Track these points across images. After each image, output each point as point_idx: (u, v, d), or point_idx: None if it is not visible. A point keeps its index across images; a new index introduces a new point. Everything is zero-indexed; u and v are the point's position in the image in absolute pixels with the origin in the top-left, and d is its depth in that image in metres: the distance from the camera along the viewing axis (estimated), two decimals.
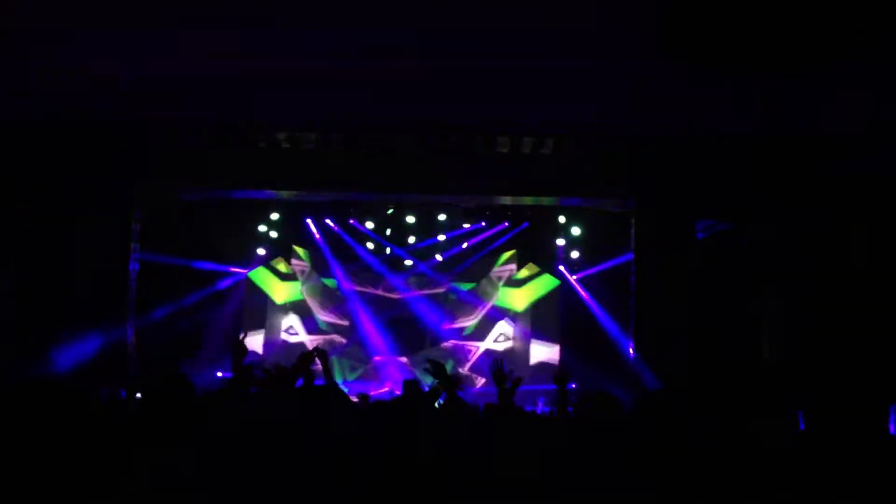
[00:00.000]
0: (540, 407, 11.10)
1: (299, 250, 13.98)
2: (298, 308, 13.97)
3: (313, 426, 2.67)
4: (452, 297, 14.00)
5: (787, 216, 9.79)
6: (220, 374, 11.83)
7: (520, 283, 13.87)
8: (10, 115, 8.99)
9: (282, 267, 14.00)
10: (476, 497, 2.69)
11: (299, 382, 4.44)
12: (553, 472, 2.92)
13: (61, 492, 2.56)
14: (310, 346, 13.54)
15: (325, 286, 14.05)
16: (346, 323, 13.90)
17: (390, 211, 12.76)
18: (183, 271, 12.43)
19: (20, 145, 9.52)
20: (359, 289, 13.92)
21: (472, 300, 13.99)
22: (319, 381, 4.64)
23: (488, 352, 13.58)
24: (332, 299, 14.00)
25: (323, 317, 13.96)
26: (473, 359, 13.72)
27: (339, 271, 13.87)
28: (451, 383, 4.51)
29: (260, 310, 13.81)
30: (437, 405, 4.62)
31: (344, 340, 13.81)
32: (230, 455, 2.68)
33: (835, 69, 6.91)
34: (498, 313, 13.85)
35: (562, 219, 12.66)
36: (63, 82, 8.13)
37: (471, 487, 2.75)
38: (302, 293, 14.01)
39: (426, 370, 4.79)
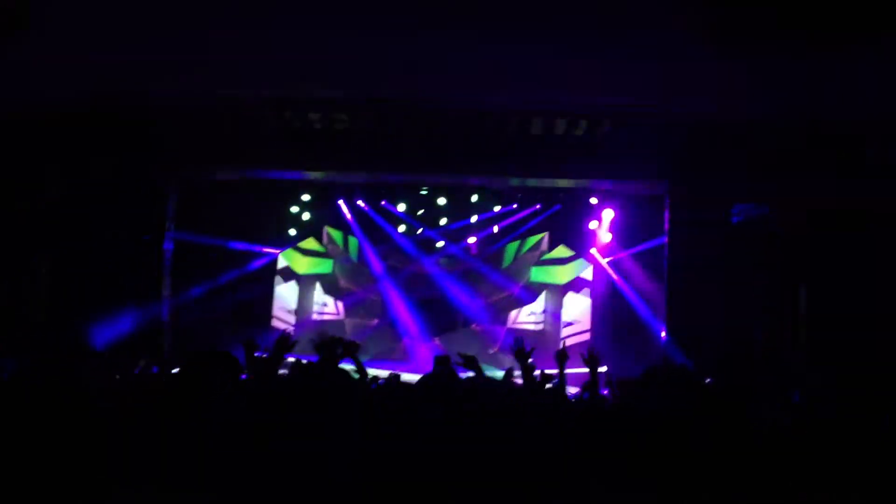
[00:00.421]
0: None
1: (331, 231, 14.04)
2: (330, 288, 14.05)
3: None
4: (483, 278, 13.99)
5: (824, 200, 9.64)
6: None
7: (551, 266, 13.82)
8: (46, 97, 9.10)
9: (314, 247, 14.06)
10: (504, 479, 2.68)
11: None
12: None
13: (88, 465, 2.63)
14: (346, 326, 13.69)
15: (356, 266, 14.11)
16: (377, 303, 13.96)
17: (424, 191, 12.75)
18: (216, 251, 12.56)
19: (55, 127, 9.64)
20: (390, 269, 13.97)
21: (503, 282, 13.97)
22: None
23: (514, 331, 13.55)
24: (363, 279, 14.06)
25: (354, 296, 14.02)
26: (502, 340, 13.72)
27: (370, 252, 13.93)
28: (481, 372, 4.56)
29: (291, 289, 13.90)
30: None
31: (375, 321, 13.89)
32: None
33: (878, 46, 6.77)
34: (528, 295, 13.82)
35: (594, 201, 12.58)
36: (95, 65, 8.20)
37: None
38: (334, 273, 14.08)
39: (459, 364, 4.84)
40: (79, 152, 10.02)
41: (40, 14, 6.90)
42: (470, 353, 4.92)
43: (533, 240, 13.87)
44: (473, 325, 13.85)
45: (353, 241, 14.00)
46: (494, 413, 2.73)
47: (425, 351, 13.09)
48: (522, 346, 4.76)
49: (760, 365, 9.45)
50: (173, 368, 7.96)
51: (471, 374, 4.56)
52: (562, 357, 4.98)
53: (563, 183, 11.75)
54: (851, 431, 3.85)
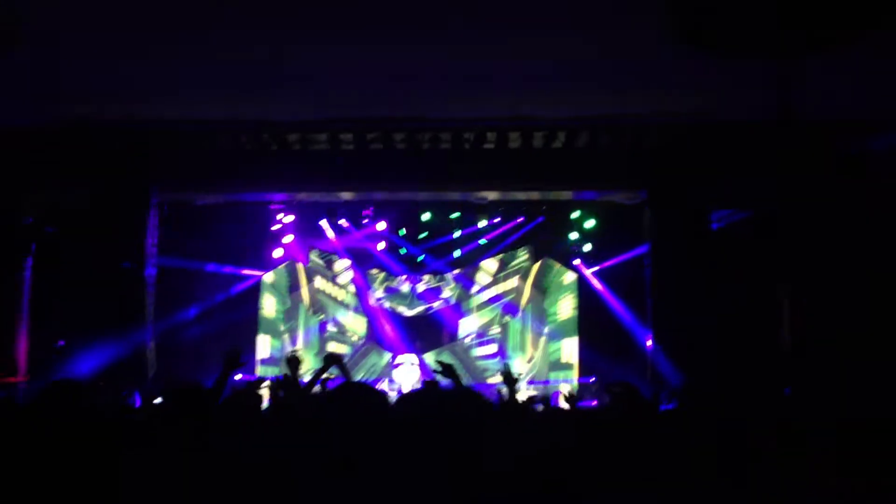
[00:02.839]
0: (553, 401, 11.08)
1: (314, 252, 14.02)
2: (315, 308, 14.00)
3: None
4: (467, 293, 13.99)
5: (805, 204, 9.68)
6: (238, 376, 11.88)
7: (535, 278, 13.83)
8: (25, 119, 9.09)
9: (298, 268, 14.04)
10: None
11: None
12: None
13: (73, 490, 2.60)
14: (328, 348, 13.63)
15: (340, 287, 14.08)
16: (362, 323, 13.93)
17: (404, 214, 12.77)
18: (200, 276, 12.52)
19: (34, 150, 9.61)
20: (374, 288, 13.95)
21: (488, 297, 13.98)
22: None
23: (502, 351, 13.59)
24: (348, 299, 14.04)
25: (339, 316, 13.99)
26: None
27: (354, 271, 13.92)
28: (460, 381, 4.55)
29: (275, 312, 13.85)
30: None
31: (362, 341, 13.85)
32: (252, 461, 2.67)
33: (854, 49, 6.83)
34: (513, 309, 13.82)
35: (576, 213, 12.62)
36: (77, 86, 8.20)
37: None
38: (318, 294, 14.05)
39: (438, 372, 4.83)
40: (57, 177, 9.98)
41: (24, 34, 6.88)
42: (457, 370, 4.87)
43: (518, 254, 13.87)
44: (460, 341, 13.83)
45: (335, 261, 13.99)
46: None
47: (411, 369, 13.03)
48: (509, 370, 4.80)
49: (746, 368, 9.45)
50: (156, 395, 7.90)
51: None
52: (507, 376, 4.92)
53: (541, 196, 11.82)
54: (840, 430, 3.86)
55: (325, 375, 4.98)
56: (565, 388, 11.67)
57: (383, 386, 12.40)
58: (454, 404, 2.49)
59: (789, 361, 9.77)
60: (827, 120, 8.98)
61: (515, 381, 4.67)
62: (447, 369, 4.74)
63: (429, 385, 5.47)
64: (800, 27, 6.50)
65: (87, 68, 7.73)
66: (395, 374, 12.80)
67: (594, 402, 11.09)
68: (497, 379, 12.61)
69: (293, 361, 4.55)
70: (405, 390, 11.79)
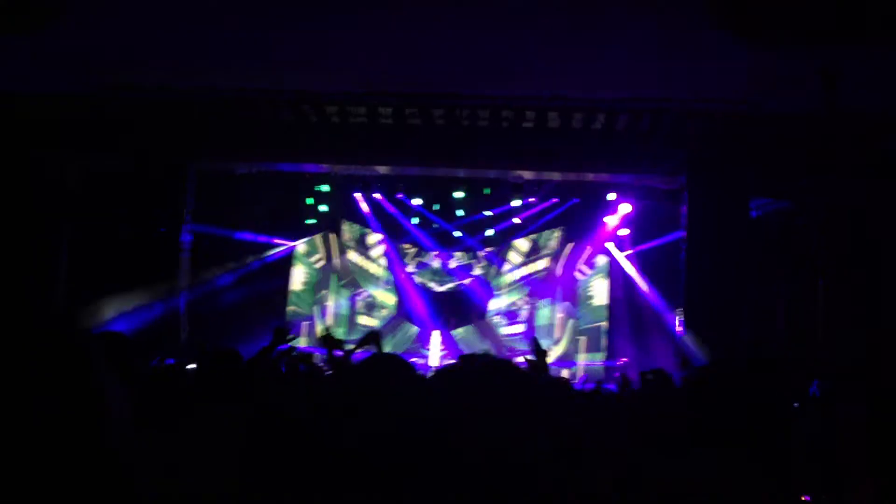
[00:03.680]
0: (579, 383, 11.10)
1: (347, 224, 14.08)
2: (346, 281, 14.09)
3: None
4: (498, 271, 13.99)
5: (844, 196, 9.55)
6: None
7: (567, 260, 13.79)
8: (69, 86, 9.17)
9: (331, 240, 14.11)
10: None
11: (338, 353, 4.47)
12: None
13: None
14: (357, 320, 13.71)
15: (372, 260, 14.15)
16: (393, 296, 14.00)
17: (440, 189, 12.76)
18: (234, 243, 12.63)
19: (77, 116, 9.72)
20: (406, 263, 14.00)
21: (519, 276, 13.98)
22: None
23: (531, 328, 13.59)
24: (379, 272, 14.10)
25: (370, 290, 14.07)
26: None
27: (387, 245, 13.97)
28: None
29: (307, 283, 13.96)
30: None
31: (391, 314, 13.93)
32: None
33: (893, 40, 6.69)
34: (542, 289, 13.80)
35: (612, 195, 12.53)
36: (119, 54, 8.25)
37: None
38: (350, 266, 14.13)
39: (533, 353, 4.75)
40: (98, 144, 10.09)
41: (67, 5, 6.94)
42: (484, 346, 4.88)
43: (551, 234, 13.82)
44: (489, 319, 13.86)
45: (368, 235, 14.04)
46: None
47: (441, 345, 13.10)
48: (539, 345, 4.70)
49: (779, 358, 9.38)
50: (189, 360, 8.01)
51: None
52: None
53: (577, 177, 11.76)
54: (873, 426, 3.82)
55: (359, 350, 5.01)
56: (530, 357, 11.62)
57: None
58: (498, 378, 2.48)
59: (822, 351, 9.67)
60: (870, 114, 8.82)
61: (545, 353, 4.59)
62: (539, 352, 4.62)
63: (465, 360, 5.47)
64: (840, 19, 6.39)
65: (129, 36, 7.78)
66: (424, 349, 12.89)
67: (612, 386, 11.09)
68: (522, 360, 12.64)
69: (329, 340, 4.56)
70: (433, 364, 11.89)
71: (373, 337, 4.58)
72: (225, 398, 3.05)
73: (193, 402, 3.06)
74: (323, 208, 13.24)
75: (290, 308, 13.61)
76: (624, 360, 12.13)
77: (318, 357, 7.63)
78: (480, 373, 2.74)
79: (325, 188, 12.75)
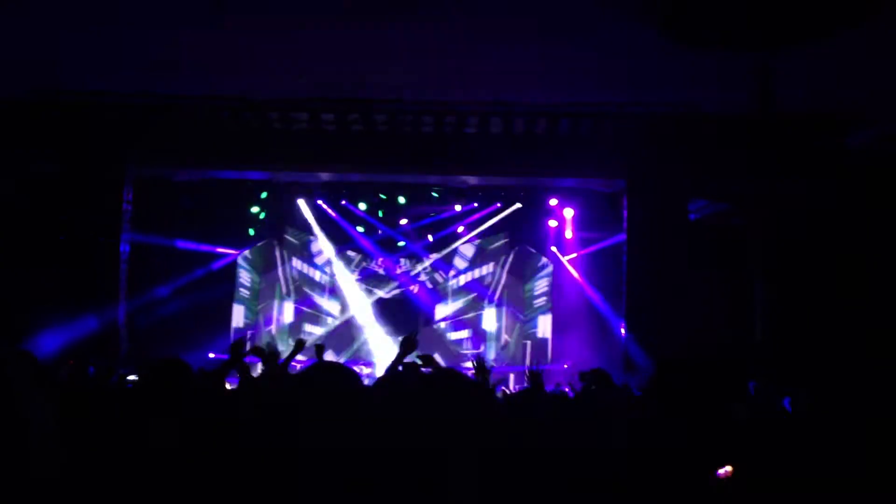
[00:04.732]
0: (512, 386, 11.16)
1: (291, 231, 13.95)
2: (291, 289, 13.95)
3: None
4: (443, 277, 14.00)
5: (780, 196, 9.78)
6: (211, 355, 11.83)
7: (511, 264, 13.87)
8: (3, 90, 8.92)
9: (273, 248, 13.96)
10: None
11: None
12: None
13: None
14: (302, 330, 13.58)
15: (315, 268, 14.03)
16: (337, 304, 13.90)
17: (383, 196, 12.73)
18: (174, 252, 12.40)
19: (12, 121, 9.45)
20: (350, 270, 13.92)
21: (464, 281, 14.01)
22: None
23: (476, 336, 13.66)
24: (324, 280, 13.99)
25: (315, 298, 13.95)
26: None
27: (331, 253, 13.87)
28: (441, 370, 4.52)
29: (251, 291, 13.78)
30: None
31: (337, 322, 13.83)
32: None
33: (829, 42, 6.88)
34: (488, 294, 13.86)
35: (554, 200, 12.65)
36: (52, 56, 8.04)
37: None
38: (293, 275, 13.99)
39: (420, 365, 4.80)
40: (30, 149, 9.82)
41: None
42: (432, 353, 4.89)
43: (494, 239, 13.90)
44: (435, 325, 13.86)
45: (311, 242, 13.94)
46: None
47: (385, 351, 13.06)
48: (482, 362, 4.80)
49: (717, 359, 9.55)
50: (128, 372, 7.84)
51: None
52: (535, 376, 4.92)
53: (519, 181, 11.86)
54: (805, 426, 3.89)
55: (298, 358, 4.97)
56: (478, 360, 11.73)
57: (358, 369, 12.40)
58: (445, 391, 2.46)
59: (760, 353, 9.89)
60: (804, 114, 9.05)
61: (489, 371, 4.68)
62: (426, 360, 4.74)
63: (409, 367, 5.46)
64: (775, 21, 6.54)
65: (62, 38, 7.59)
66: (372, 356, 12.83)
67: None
68: (470, 365, 12.67)
69: (269, 352, 4.53)
70: (379, 372, 11.82)
71: (301, 345, 4.56)
72: (164, 411, 2.98)
73: (130, 415, 2.99)
74: (265, 217, 13.09)
75: (234, 318, 13.42)
76: (566, 364, 12.25)
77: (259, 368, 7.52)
78: (427, 382, 2.71)
79: (267, 195, 12.61)
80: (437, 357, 11.92)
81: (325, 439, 2.34)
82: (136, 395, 3.52)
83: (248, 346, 4.55)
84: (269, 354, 4.50)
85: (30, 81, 8.76)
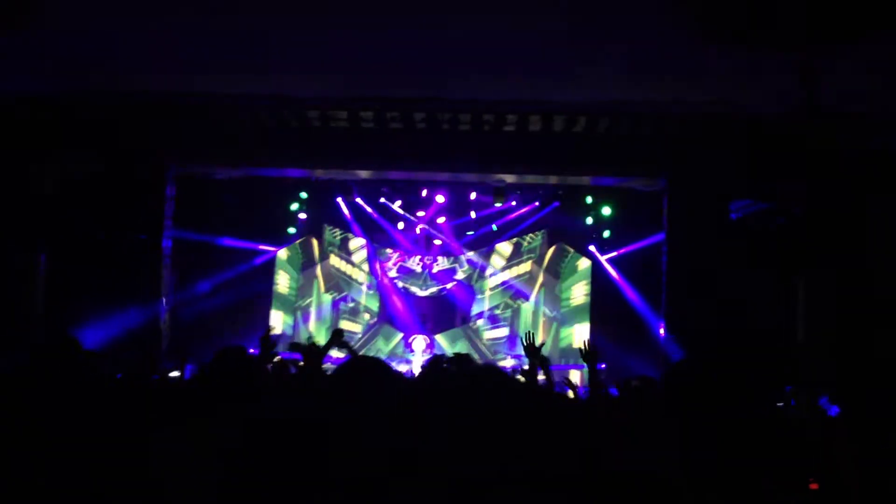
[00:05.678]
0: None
1: (329, 229, 14.04)
2: (329, 286, 14.05)
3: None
4: (480, 276, 14.00)
5: (824, 196, 9.62)
6: (251, 350, 11.93)
7: (548, 263, 13.82)
8: (45, 88, 9.07)
9: (312, 246, 14.07)
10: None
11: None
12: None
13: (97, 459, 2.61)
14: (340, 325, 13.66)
15: (355, 265, 14.12)
16: (375, 301, 13.97)
17: (424, 192, 12.75)
18: (215, 249, 12.55)
19: (54, 121, 9.61)
20: (388, 267, 13.98)
21: (501, 280, 13.99)
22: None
23: (513, 335, 13.62)
24: (362, 277, 14.07)
25: (353, 295, 14.03)
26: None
27: (369, 250, 13.95)
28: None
29: (289, 289, 13.90)
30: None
31: (374, 319, 13.90)
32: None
33: (875, 44, 6.75)
34: (526, 292, 13.83)
35: (590, 199, 12.58)
36: (95, 54, 8.16)
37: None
38: (332, 271, 14.08)
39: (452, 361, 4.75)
40: (76, 149, 9.99)
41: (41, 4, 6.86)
42: (468, 352, 4.85)
43: (533, 237, 13.86)
44: (472, 323, 13.86)
45: (351, 239, 14.03)
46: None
47: (424, 349, 13.09)
48: (532, 342, 4.53)
49: (758, 360, 9.43)
50: (170, 367, 7.94)
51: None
52: (591, 356, 4.67)
53: (558, 180, 11.79)
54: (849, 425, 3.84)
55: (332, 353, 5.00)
56: (574, 376, 11.70)
57: (394, 366, 12.42)
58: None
59: (801, 355, 9.74)
60: (850, 115, 8.88)
61: (538, 352, 4.49)
62: (463, 359, 4.68)
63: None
64: (824, 20, 6.43)
65: (108, 37, 7.69)
66: (409, 353, 12.86)
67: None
68: (508, 362, 12.66)
69: (299, 347, 4.55)
70: (417, 370, 11.85)
71: (339, 335, 4.56)
72: (229, 399, 3.01)
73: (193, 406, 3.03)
74: (303, 216, 13.20)
75: (273, 314, 13.54)
76: (603, 365, 12.15)
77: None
78: (471, 377, 2.71)
79: (306, 194, 12.71)
80: (474, 356, 11.94)
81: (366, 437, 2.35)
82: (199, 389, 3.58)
83: (277, 339, 4.58)
84: (309, 350, 4.52)
85: (70, 81, 8.89)
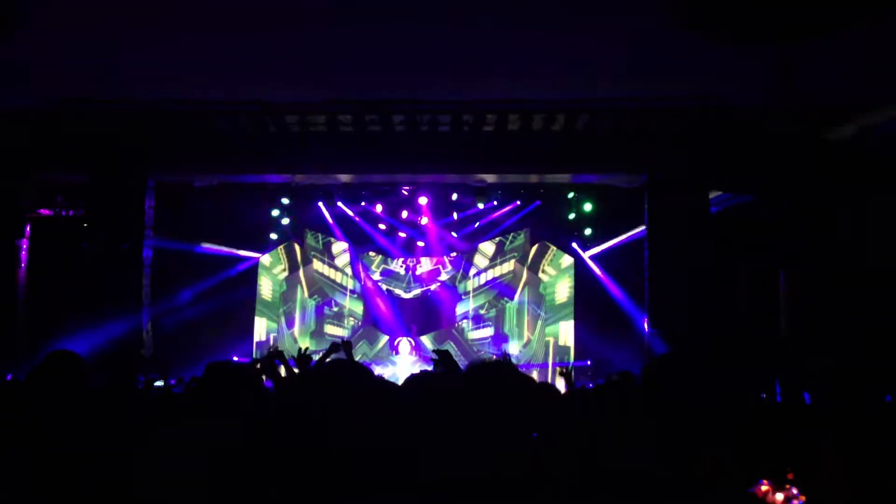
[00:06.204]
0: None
1: (311, 234, 14.00)
2: (312, 291, 14.00)
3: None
4: (465, 276, 14.00)
5: (804, 189, 9.68)
6: (235, 358, 11.89)
7: (532, 261, 13.84)
8: (23, 100, 9.00)
9: (294, 251, 14.02)
10: None
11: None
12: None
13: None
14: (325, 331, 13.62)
15: (338, 269, 14.08)
16: (359, 304, 13.94)
17: (405, 195, 12.74)
18: (196, 257, 12.49)
19: (31, 131, 9.54)
20: (371, 271, 13.95)
21: (485, 280, 14.00)
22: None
23: (498, 334, 13.64)
24: (345, 281, 14.03)
25: (337, 299, 14.00)
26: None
27: (352, 254, 13.92)
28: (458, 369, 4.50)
29: (272, 294, 13.85)
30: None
31: (359, 323, 13.87)
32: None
33: (854, 34, 6.79)
34: (510, 292, 13.84)
35: (572, 195, 12.61)
36: (72, 67, 8.11)
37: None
38: (316, 276, 14.04)
39: (435, 361, 4.77)
40: (54, 158, 9.92)
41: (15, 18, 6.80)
42: (453, 354, 4.84)
43: (515, 236, 13.88)
44: (456, 325, 13.85)
45: (333, 244, 13.99)
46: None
47: (408, 351, 13.08)
48: (569, 369, 4.76)
49: (742, 353, 9.48)
50: (154, 377, 7.90)
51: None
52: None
53: (539, 179, 11.82)
54: (832, 417, 3.85)
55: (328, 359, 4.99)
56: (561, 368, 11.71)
57: (380, 369, 12.43)
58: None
59: (785, 349, 9.80)
60: (827, 106, 8.94)
61: (571, 373, 4.65)
62: (444, 356, 4.70)
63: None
64: (799, 12, 6.47)
65: (85, 50, 7.64)
66: (394, 356, 12.84)
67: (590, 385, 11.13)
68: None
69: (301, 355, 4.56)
70: (403, 374, 11.83)
71: (338, 347, 4.57)
72: (220, 410, 3.01)
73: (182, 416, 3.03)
74: (285, 221, 13.16)
75: (257, 321, 13.49)
76: (589, 362, 12.21)
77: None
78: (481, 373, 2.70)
79: (287, 199, 12.66)
80: (458, 356, 11.95)
81: (352, 439, 2.34)
82: (193, 398, 3.57)
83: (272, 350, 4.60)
84: (300, 357, 4.54)
85: (48, 93, 8.82)
